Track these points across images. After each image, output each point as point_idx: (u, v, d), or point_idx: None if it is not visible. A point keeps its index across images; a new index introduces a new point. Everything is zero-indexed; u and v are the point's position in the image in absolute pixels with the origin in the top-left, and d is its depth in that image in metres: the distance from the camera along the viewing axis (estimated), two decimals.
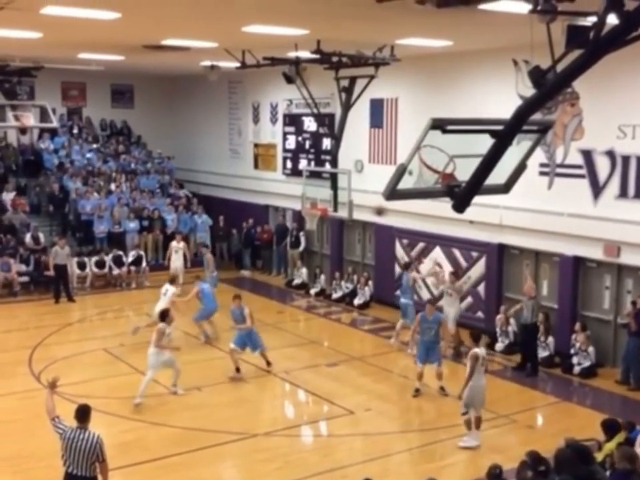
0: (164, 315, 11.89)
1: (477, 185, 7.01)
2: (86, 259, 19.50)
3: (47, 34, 12.47)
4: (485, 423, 10.70)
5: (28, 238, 19.40)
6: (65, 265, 17.99)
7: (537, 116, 7.78)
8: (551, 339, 13.76)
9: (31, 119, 18.29)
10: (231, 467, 9.95)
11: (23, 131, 19.77)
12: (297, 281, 19.87)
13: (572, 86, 12.70)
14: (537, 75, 6.42)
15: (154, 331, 11.70)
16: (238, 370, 12.77)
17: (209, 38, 13.23)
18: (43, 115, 19.46)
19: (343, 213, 14.64)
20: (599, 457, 7.60)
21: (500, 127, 6.72)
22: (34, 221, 20.53)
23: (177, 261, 19.03)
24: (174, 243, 19.29)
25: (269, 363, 13.00)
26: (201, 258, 18.98)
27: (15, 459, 9.53)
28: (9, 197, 20.81)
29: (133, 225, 20.89)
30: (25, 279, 18.73)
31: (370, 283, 18.07)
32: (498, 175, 7.29)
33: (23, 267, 18.79)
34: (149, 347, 11.54)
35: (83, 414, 7.18)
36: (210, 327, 14.93)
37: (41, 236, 19.72)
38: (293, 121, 20.52)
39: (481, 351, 10.24)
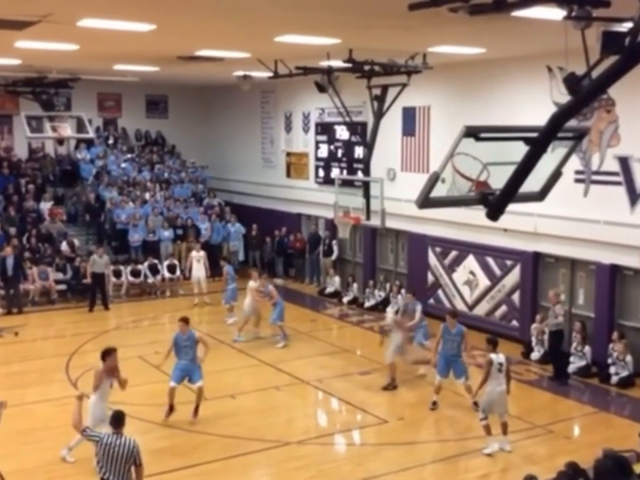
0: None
1: (511, 192, 6.96)
2: (121, 267, 19.74)
3: (83, 46, 12.68)
4: (521, 433, 10.61)
5: (64, 245, 19.70)
6: (102, 274, 18.21)
7: (572, 123, 7.69)
8: (587, 349, 13.57)
9: (67, 130, 18.63)
10: (265, 475, 9.97)
11: (60, 141, 20.15)
12: (329, 290, 19.88)
13: (607, 92, 12.54)
14: (572, 82, 6.37)
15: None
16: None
17: (242, 48, 13.35)
18: (80, 126, 19.77)
19: (375, 221, 14.62)
20: (638, 468, 7.47)
21: (535, 134, 6.67)
22: (71, 230, 20.87)
23: (199, 270, 19.08)
24: (194, 253, 19.37)
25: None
26: (234, 266, 19.12)
27: (50, 466, 9.65)
28: (46, 206, 21.16)
29: (167, 233, 21.11)
30: (62, 287, 19.01)
31: (402, 291, 17.99)
32: (533, 183, 7.23)
33: (60, 275, 19.07)
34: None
35: (118, 420, 7.24)
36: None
37: (76, 242, 20.00)
38: (325, 129, 20.58)
39: (497, 357, 10.10)
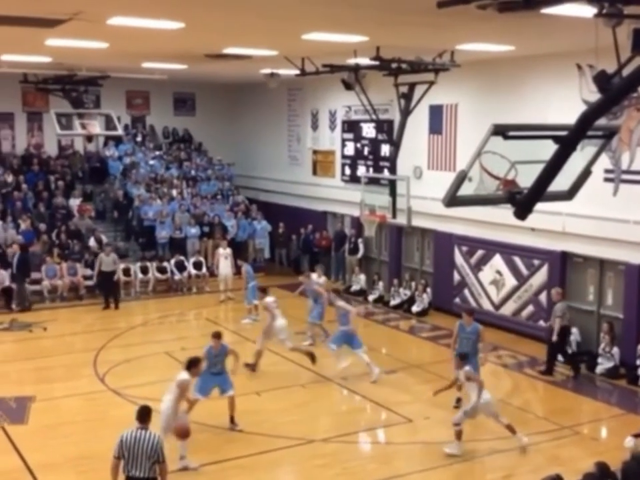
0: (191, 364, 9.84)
1: (539, 191, 6.90)
2: (148, 264, 19.89)
3: (113, 44, 12.79)
4: (548, 434, 10.53)
5: (92, 241, 19.88)
6: (111, 272, 18.19)
7: (602, 121, 7.61)
8: (615, 350, 13.42)
9: (96, 127, 18.83)
10: (290, 472, 10.00)
11: (89, 138, 20.33)
12: (355, 287, 19.86)
13: (638, 90, 12.38)
14: (602, 80, 6.31)
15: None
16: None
17: (270, 46, 13.37)
18: (109, 123, 20.01)
19: (401, 220, 14.59)
20: None
21: (564, 133, 6.61)
22: (99, 227, 21.07)
23: (225, 267, 19.20)
24: (221, 250, 19.49)
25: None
26: (260, 263, 19.24)
27: (78, 460, 9.76)
28: (75, 202, 21.40)
29: (194, 230, 21.23)
30: (90, 282, 19.20)
31: (428, 290, 17.94)
32: (561, 181, 7.16)
33: (89, 271, 19.27)
34: None
35: (144, 414, 7.32)
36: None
37: (104, 238, 20.20)
38: (351, 127, 20.56)
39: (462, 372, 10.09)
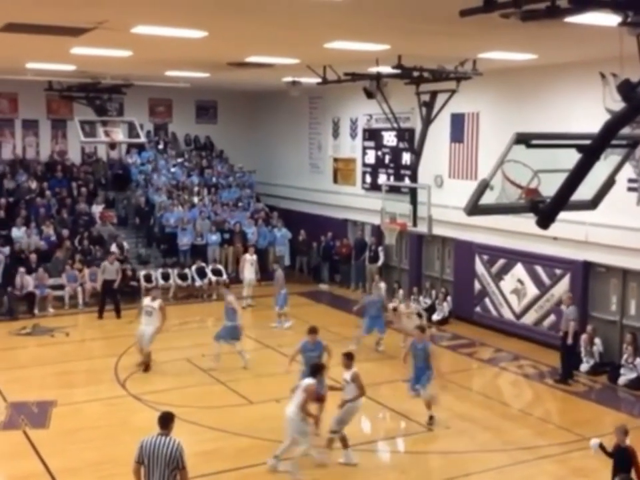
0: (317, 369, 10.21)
1: (562, 200, 6.86)
2: (170, 271, 19.99)
3: (136, 52, 12.92)
4: (570, 445, 10.46)
5: (113, 247, 20.03)
6: (113, 281, 18.08)
7: (625, 130, 7.56)
8: (638, 360, 13.27)
9: (120, 135, 18.99)
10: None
11: (112, 146, 20.52)
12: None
13: None
14: (626, 89, 6.26)
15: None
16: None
17: (292, 55, 13.44)
18: (132, 131, 20.17)
19: (422, 228, 14.57)
20: None
21: (587, 142, 6.57)
22: (121, 233, 21.22)
23: (250, 273, 19.33)
24: (247, 256, 19.60)
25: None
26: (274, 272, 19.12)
27: (99, 465, 9.81)
28: (97, 209, 21.59)
29: (215, 237, 21.33)
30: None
31: (449, 298, 17.86)
32: (585, 191, 7.12)
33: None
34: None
35: (166, 421, 7.22)
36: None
37: (125, 244, 20.31)
38: (372, 135, 20.57)
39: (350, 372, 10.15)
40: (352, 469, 9.88)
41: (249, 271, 19.34)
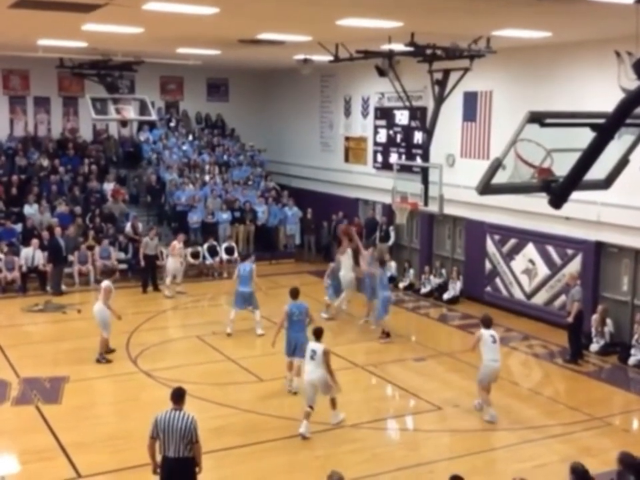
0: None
1: (575, 180, 6.81)
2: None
3: (147, 29, 12.87)
4: (579, 424, 10.48)
5: (128, 227, 20.09)
6: (154, 255, 18.53)
7: None
8: None
9: (131, 112, 19.00)
10: (319, 457, 10.01)
11: (123, 123, 20.51)
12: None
13: None
14: None
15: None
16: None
17: (304, 32, 13.35)
18: (143, 108, 20.12)
19: (433, 208, 14.53)
20: None
21: (601, 121, 6.51)
22: (132, 211, 21.27)
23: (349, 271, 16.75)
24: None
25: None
26: (291, 249, 19.11)
27: (111, 440, 9.92)
28: (109, 187, 21.61)
29: (226, 216, 21.35)
30: (124, 266, 19.42)
31: (460, 278, 17.85)
32: (598, 170, 7.06)
33: (122, 255, 19.50)
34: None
35: (179, 396, 7.41)
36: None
37: (140, 226, 20.40)
38: (384, 114, 20.46)
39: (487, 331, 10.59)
40: (361, 445, 9.94)
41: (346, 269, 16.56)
